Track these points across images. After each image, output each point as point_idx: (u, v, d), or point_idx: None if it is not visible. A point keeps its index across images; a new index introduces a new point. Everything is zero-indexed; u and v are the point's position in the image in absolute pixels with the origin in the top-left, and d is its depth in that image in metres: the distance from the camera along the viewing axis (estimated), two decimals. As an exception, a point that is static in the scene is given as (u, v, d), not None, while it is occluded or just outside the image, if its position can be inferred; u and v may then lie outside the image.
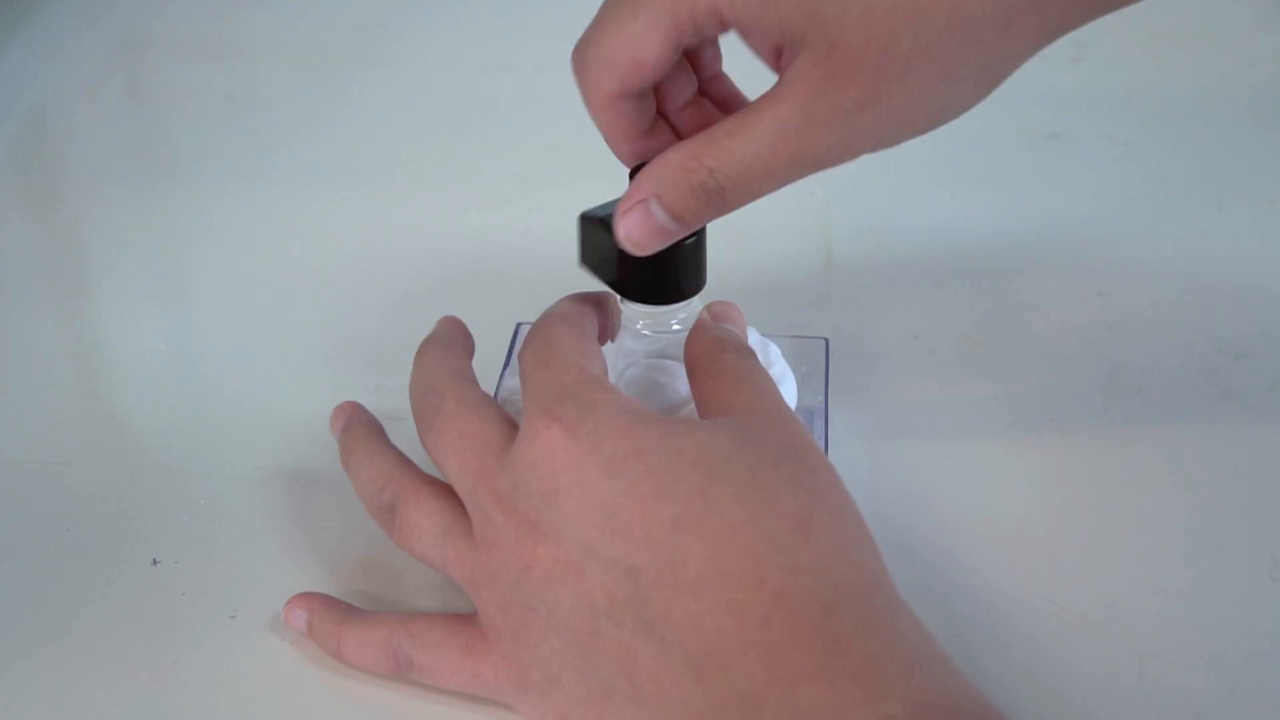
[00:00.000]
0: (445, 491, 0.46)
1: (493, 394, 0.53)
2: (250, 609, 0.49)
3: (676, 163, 0.45)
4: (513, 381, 0.54)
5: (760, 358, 0.52)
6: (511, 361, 0.55)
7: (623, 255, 0.47)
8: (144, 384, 0.60)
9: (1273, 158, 0.73)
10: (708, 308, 0.49)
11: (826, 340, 0.55)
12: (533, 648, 0.42)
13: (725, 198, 0.45)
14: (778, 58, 0.44)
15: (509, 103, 0.80)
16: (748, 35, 0.44)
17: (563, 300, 0.49)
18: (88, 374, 0.61)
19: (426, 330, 0.62)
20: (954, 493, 0.53)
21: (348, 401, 0.52)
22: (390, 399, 0.58)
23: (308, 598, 0.48)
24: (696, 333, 0.48)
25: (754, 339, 0.54)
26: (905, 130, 0.45)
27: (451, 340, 0.51)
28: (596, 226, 0.47)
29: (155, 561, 0.51)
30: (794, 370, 0.55)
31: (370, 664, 0.46)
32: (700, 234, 0.48)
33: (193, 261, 0.68)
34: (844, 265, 0.65)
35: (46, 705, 0.46)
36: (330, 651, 0.46)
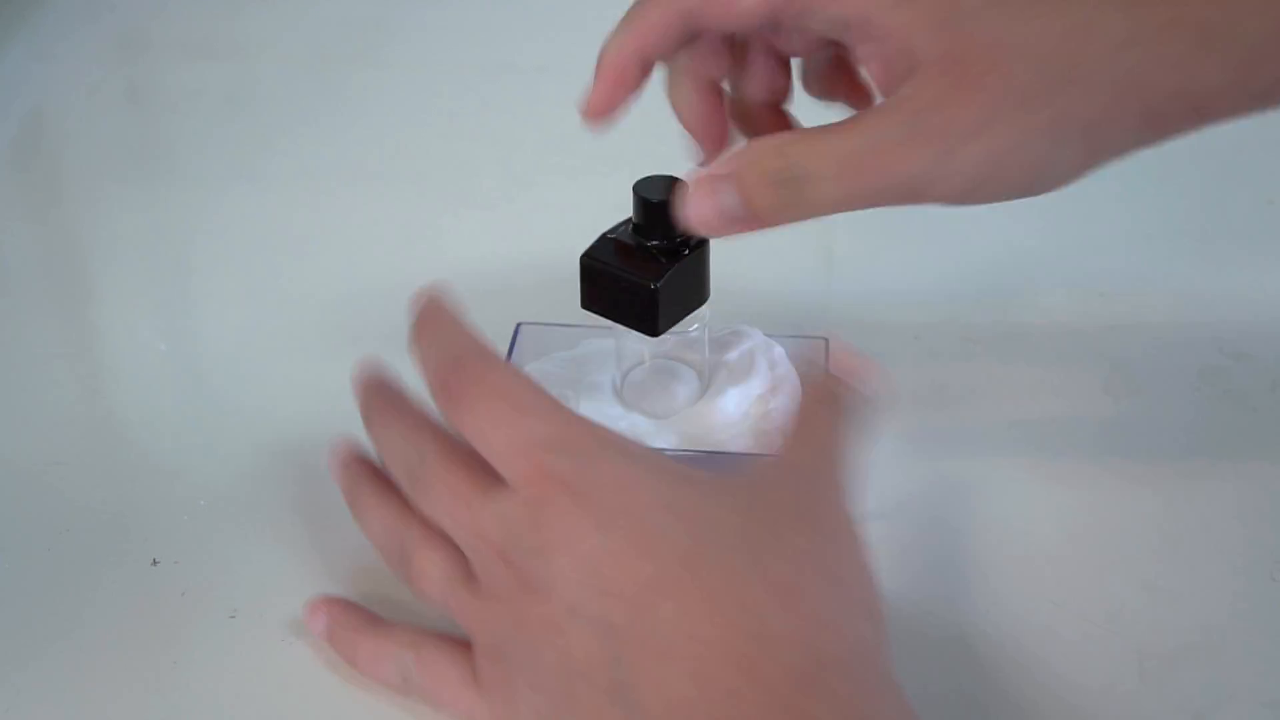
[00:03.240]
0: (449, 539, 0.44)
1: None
2: (250, 609, 0.49)
3: (762, 147, 0.44)
4: None
5: (763, 359, 0.53)
6: (511, 359, 0.55)
7: (623, 287, 0.47)
8: (144, 384, 0.60)
9: (1273, 158, 0.73)
10: (837, 351, 0.48)
11: (827, 340, 0.55)
12: (515, 702, 0.41)
13: (803, 194, 0.43)
14: (888, 71, 0.43)
15: (509, 103, 0.80)
16: (867, 38, 0.43)
17: (457, 356, 0.45)
18: (88, 374, 0.61)
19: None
20: (954, 493, 0.53)
21: (340, 440, 0.49)
22: (390, 399, 0.58)
23: (329, 602, 0.47)
24: (812, 373, 0.48)
25: (758, 340, 0.54)
26: (1003, 178, 0.44)
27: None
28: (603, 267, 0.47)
29: (155, 561, 0.51)
30: (792, 370, 0.55)
31: (381, 676, 0.45)
32: (703, 248, 0.48)
33: (192, 261, 0.68)
34: (844, 265, 0.65)
35: (47, 705, 0.46)
36: (346, 658, 0.46)
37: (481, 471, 0.43)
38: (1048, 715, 0.45)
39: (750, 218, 0.44)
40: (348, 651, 0.46)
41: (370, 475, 0.47)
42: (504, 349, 0.56)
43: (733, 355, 0.53)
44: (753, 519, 0.41)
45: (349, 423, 0.57)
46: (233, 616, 0.48)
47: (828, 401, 0.46)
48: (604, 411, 0.52)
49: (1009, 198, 0.45)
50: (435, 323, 0.46)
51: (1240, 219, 0.68)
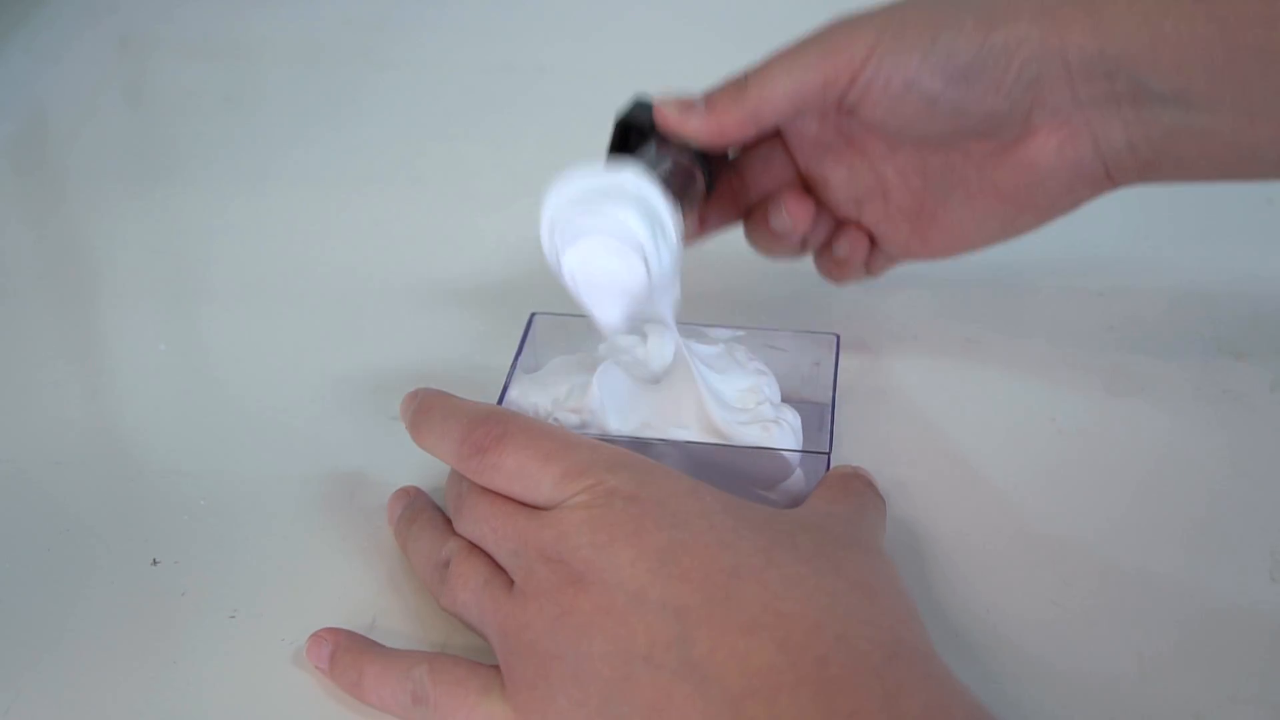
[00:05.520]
0: (487, 559, 0.46)
1: (503, 386, 0.53)
2: (250, 609, 0.49)
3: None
4: (527, 379, 0.54)
5: (725, 359, 0.53)
6: (524, 350, 0.55)
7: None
8: (144, 384, 0.60)
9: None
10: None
11: (838, 336, 0.55)
12: (550, 699, 0.42)
13: (747, 89, 0.51)
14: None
15: (509, 103, 0.80)
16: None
17: (476, 418, 0.48)
18: (88, 374, 0.61)
19: (426, 330, 0.62)
20: (954, 493, 0.53)
21: (410, 485, 0.52)
22: (391, 399, 0.57)
23: (334, 630, 0.47)
24: (840, 467, 0.50)
25: (723, 336, 0.55)
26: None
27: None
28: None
29: (155, 561, 0.51)
30: (800, 364, 0.55)
31: (387, 698, 0.45)
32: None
33: (193, 261, 0.68)
34: (844, 265, 0.65)
35: (47, 705, 0.46)
36: (349, 684, 0.45)
37: (523, 504, 0.45)
38: (1048, 715, 0.45)
39: (706, 110, 0.51)
40: (351, 676, 0.45)
41: (429, 508, 0.50)
42: (504, 347, 0.56)
43: (707, 349, 0.54)
44: (820, 536, 0.44)
45: (349, 423, 0.57)
46: (233, 616, 0.48)
47: (858, 475, 0.50)
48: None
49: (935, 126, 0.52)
50: (439, 403, 0.49)
51: (1240, 218, 0.68)
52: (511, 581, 0.44)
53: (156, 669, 0.47)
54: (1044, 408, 0.57)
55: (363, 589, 0.49)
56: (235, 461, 0.55)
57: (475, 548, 0.46)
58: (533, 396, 0.52)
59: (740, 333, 0.55)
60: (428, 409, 0.49)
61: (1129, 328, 0.61)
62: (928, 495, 0.53)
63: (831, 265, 0.58)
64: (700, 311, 0.57)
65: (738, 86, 0.52)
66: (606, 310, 0.50)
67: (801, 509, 0.47)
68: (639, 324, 0.54)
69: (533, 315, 0.56)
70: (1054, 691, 0.45)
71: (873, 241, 0.57)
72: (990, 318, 0.62)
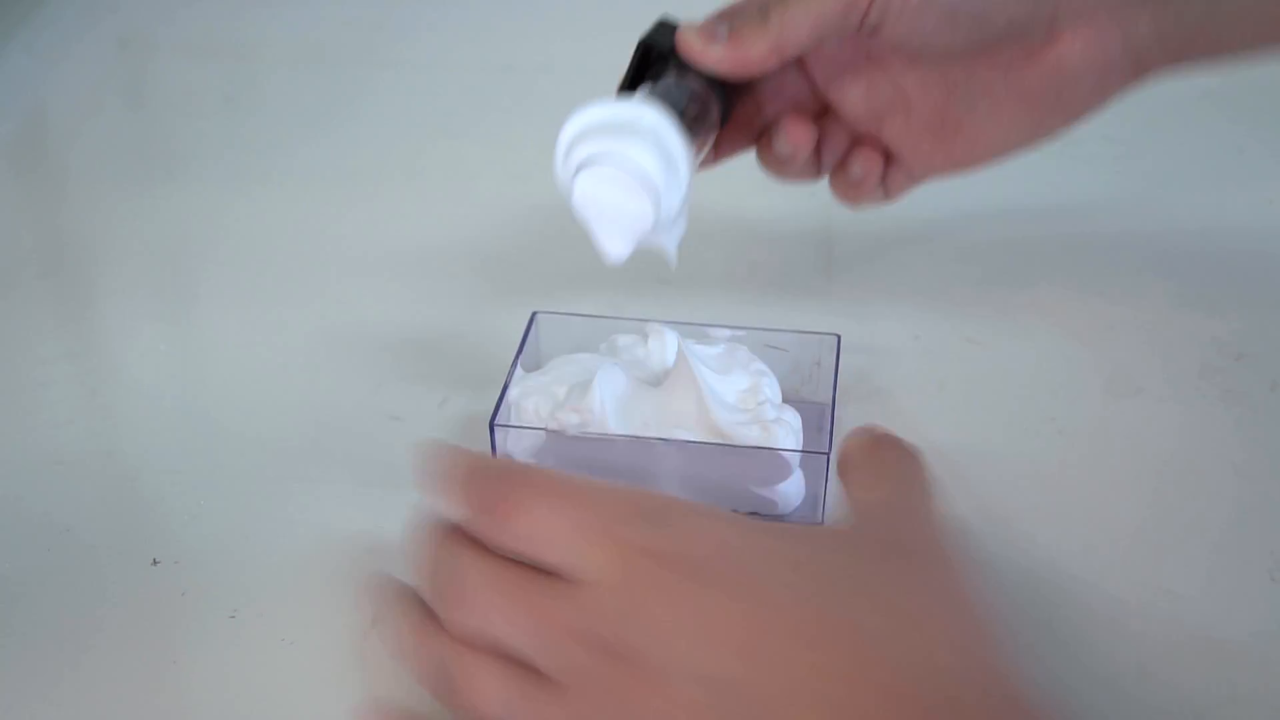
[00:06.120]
0: (498, 654, 0.40)
1: (503, 386, 0.53)
2: (250, 609, 0.49)
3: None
4: (527, 378, 0.54)
5: (726, 360, 0.53)
6: (525, 349, 0.55)
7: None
8: (144, 384, 0.60)
9: (1273, 158, 0.73)
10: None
11: (839, 336, 0.55)
12: None
13: (769, 17, 0.50)
14: None
15: (509, 103, 0.80)
16: None
17: (489, 477, 0.42)
18: (88, 374, 0.61)
19: (426, 329, 0.62)
20: (954, 493, 0.53)
21: (371, 577, 0.45)
22: (391, 399, 0.58)
23: (383, 707, 0.42)
24: (857, 432, 0.46)
25: (724, 336, 0.55)
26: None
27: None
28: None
29: (155, 561, 0.51)
30: (801, 365, 0.55)
31: None
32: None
33: (193, 261, 0.68)
34: (844, 265, 0.65)
35: (47, 705, 0.46)
36: None
37: (535, 576, 0.40)
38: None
39: (730, 42, 0.50)
40: None
41: (410, 605, 0.43)
42: (504, 345, 0.56)
43: (708, 349, 0.54)
44: (851, 556, 0.40)
45: (349, 423, 0.57)
46: (233, 616, 0.48)
47: (889, 446, 0.46)
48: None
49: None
50: (447, 458, 0.43)
51: (1240, 218, 0.68)
52: (538, 674, 0.39)
53: (156, 669, 0.47)
54: (1044, 408, 0.57)
55: (363, 589, 0.49)
56: (235, 461, 0.55)
57: (478, 652, 0.40)
58: (533, 396, 0.52)
59: (741, 333, 0.55)
60: (434, 463, 0.43)
61: (1129, 328, 0.61)
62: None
63: (847, 187, 0.57)
64: (701, 311, 0.57)
65: (760, 15, 0.51)
66: (611, 241, 0.50)
67: (840, 517, 0.44)
68: (648, 242, 0.52)
69: (534, 314, 0.56)
70: (1054, 692, 0.45)
71: (889, 161, 0.57)
72: (990, 318, 0.62)
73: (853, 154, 0.56)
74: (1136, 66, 0.52)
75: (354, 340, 0.62)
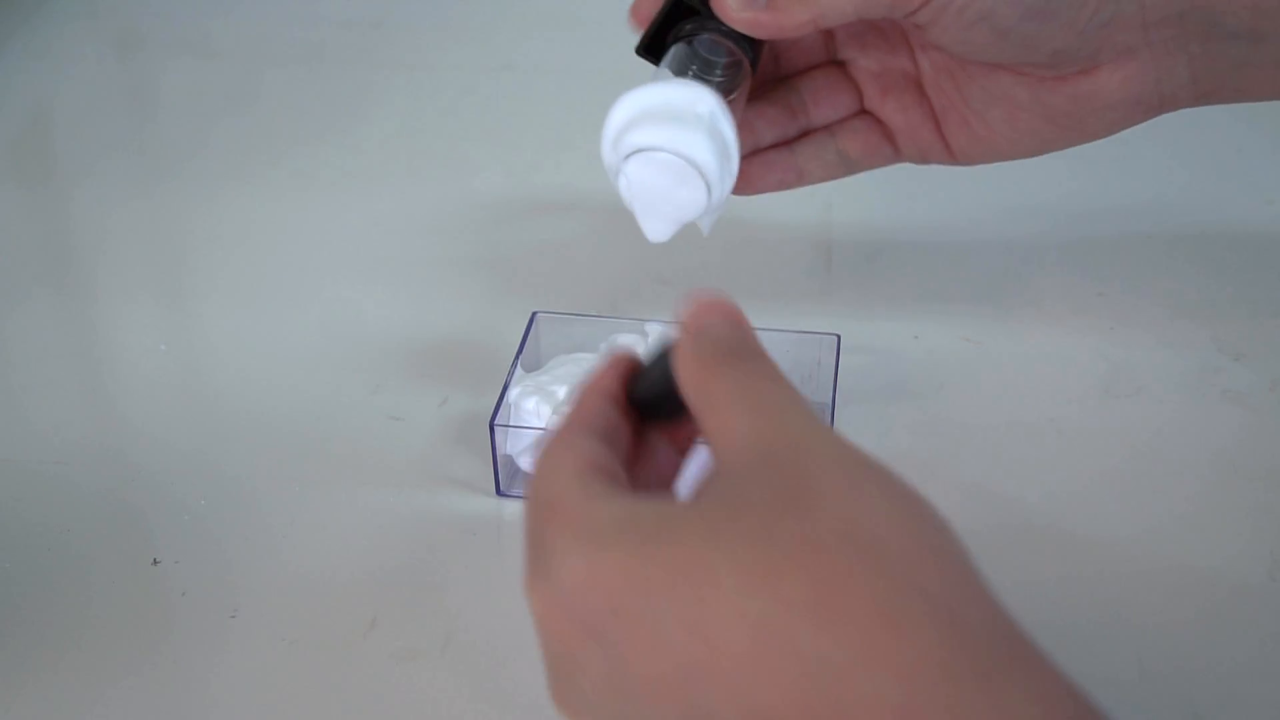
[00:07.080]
0: None
1: (503, 386, 0.53)
2: (250, 609, 0.49)
3: None
4: (527, 378, 0.54)
5: None
6: (525, 349, 0.55)
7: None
8: (144, 384, 0.60)
9: (1273, 158, 0.73)
10: (685, 310, 0.38)
11: (838, 337, 0.55)
12: None
13: None
14: None
15: (509, 103, 0.80)
16: None
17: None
18: (88, 374, 0.61)
19: (426, 330, 0.62)
20: (953, 493, 0.53)
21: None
22: (391, 399, 0.58)
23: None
24: (680, 358, 0.37)
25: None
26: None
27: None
28: None
29: (155, 561, 0.51)
30: (800, 366, 0.55)
31: None
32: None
33: (193, 261, 0.68)
34: (844, 265, 0.65)
35: (47, 705, 0.46)
36: None
37: None
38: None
39: (771, 4, 0.48)
40: None
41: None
42: (504, 345, 0.56)
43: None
44: (733, 545, 0.33)
45: (349, 423, 0.57)
46: (233, 616, 0.48)
47: (733, 357, 0.38)
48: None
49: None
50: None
51: (1240, 219, 0.68)
52: None
53: (156, 669, 0.47)
54: (1044, 408, 0.57)
55: (363, 589, 0.49)
56: (235, 461, 0.55)
57: None
58: (533, 396, 0.52)
59: None
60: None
61: (1129, 328, 0.61)
62: (927, 495, 0.52)
63: (824, 153, 0.56)
64: (700, 311, 0.57)
65: None
66: (656, 225, 0.50)
67: (703, 499, 0.35)
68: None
69: (534, 314, 0.56)
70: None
71: (884, 136, 0.56)
72: (990, 318, 0.62)
73: (848, 122, 0.56)
74: (1163, 102, 0.52)
75: (354, 340, 0.62)
